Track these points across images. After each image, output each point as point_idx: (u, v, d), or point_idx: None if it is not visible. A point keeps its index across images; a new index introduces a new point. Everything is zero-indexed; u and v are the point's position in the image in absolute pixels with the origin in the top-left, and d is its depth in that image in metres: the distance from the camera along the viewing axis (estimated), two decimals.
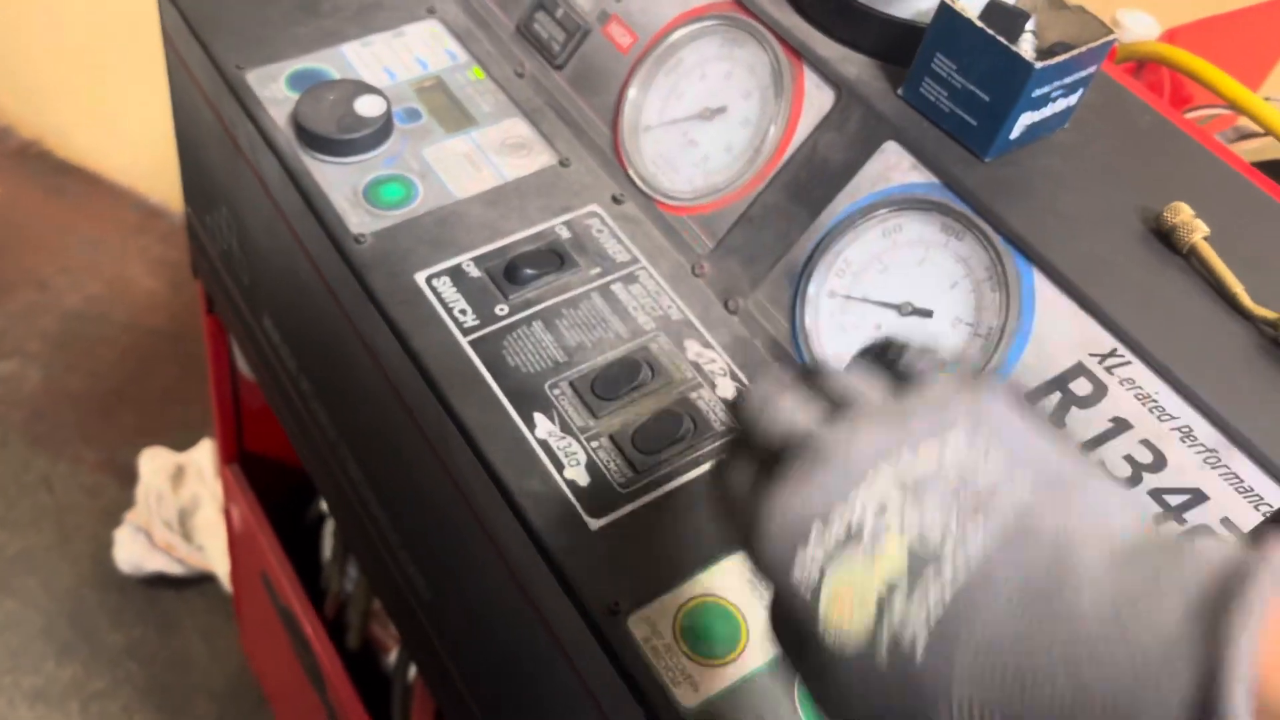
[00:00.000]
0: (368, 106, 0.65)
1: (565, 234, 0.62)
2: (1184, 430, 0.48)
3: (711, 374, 0.57)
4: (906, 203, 0.56)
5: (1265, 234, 0.55)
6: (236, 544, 1.25)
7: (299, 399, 0.76)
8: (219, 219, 0.81)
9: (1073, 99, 0.57)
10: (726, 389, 0.57)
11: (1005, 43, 0.52)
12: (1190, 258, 0.53)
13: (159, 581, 1.62)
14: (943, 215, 0.55)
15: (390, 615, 0.79)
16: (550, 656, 0.53)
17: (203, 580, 1.63)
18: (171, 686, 1.54)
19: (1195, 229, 0.53)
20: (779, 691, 0.47)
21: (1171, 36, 0.73)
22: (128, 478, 1.69)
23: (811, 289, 0.57)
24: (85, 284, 2.00)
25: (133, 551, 1.60)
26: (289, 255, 0.67)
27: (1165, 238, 0.54)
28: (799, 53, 0.59)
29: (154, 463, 1.67)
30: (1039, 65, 0.52)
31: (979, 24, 0.53)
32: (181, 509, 1.62)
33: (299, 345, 0.73)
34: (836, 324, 0.57)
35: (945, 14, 0.54)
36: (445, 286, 0.59)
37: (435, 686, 0.74)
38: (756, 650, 0.48)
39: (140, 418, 1.82)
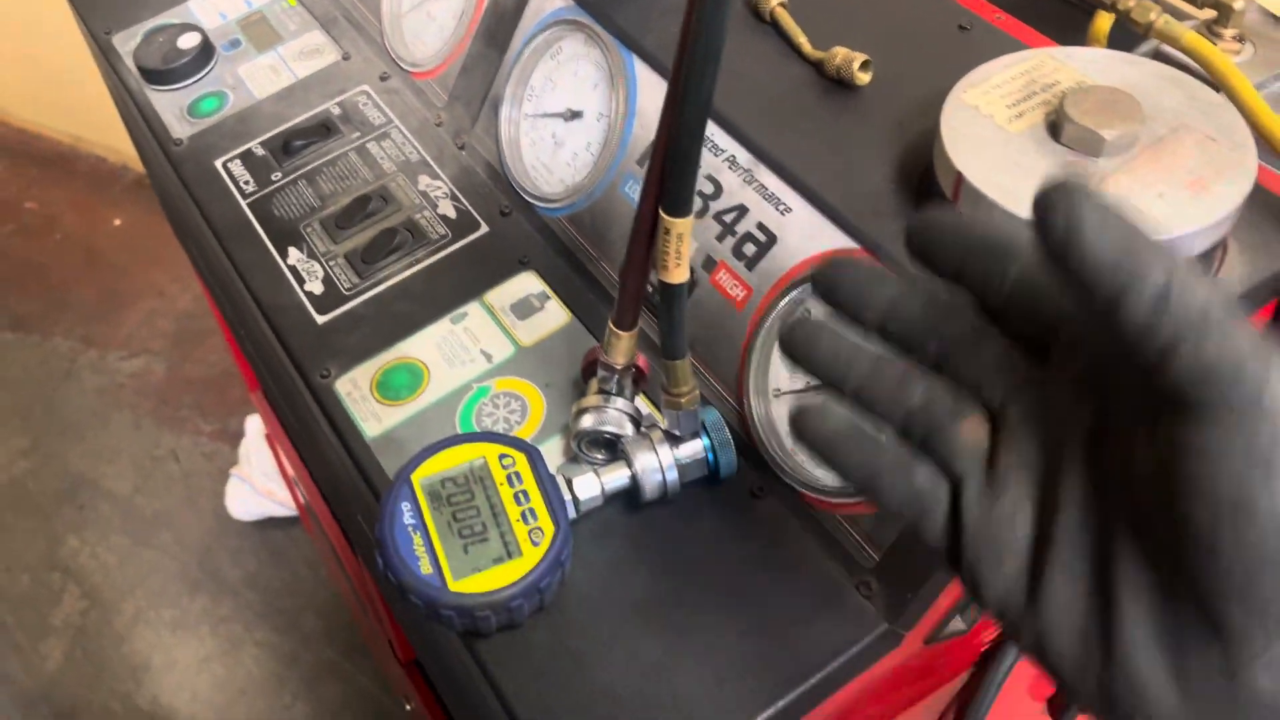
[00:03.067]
0: (186, 41, 0.81)
1: (336, 111, 0.76)
2: (730, 159, 0.57)
3: (435, 198, 0.70)
4: (559, 24, 0.66)
5: None
6: (282, 466, 1.46)
7: (208, 282, 0.94)
8: None
9: None
10: (447, 208, 0.70)
11: None
12: (774, 23, 0.62)
13: (267, 523, 1.87)
14: (582, 30, 0.65)
15: None
16: (292, 405, 0.67)
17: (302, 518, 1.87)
18: (283, 609, 1.79)
19: None
20: (444, 415, 0.60)
21: None
22: (238, 441, 1.95)
23: (505, 114, 0.69)
24: (193, 287, 2.28)
25: (240, 499, 1.85)
26: (155, 171, 0.84)
27: (755, 11, 0.62)
28: None
29: (255, 425, 1.92)
30: None
31: None
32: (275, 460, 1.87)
33: (183, 238, 0.90)
34: (528, 141, 0.69)
35: None
36: (236, 166, 0.74)
37: None
38: (432, 392, 0.61)
39: (245, 391, 2.08)
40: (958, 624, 0.55)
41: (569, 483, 0.52)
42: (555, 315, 0.63)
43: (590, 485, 0.52)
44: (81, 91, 2.42)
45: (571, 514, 0.52)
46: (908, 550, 0.49)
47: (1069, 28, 0.70)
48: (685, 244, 0.45)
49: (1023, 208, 0.45)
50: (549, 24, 0.67)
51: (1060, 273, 0.26)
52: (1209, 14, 0.67)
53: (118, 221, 2.44)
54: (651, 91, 0.61)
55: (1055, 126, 0.48)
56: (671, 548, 0.53)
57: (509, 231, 0.68)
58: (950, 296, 0.33)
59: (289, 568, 1.84)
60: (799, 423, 0.34)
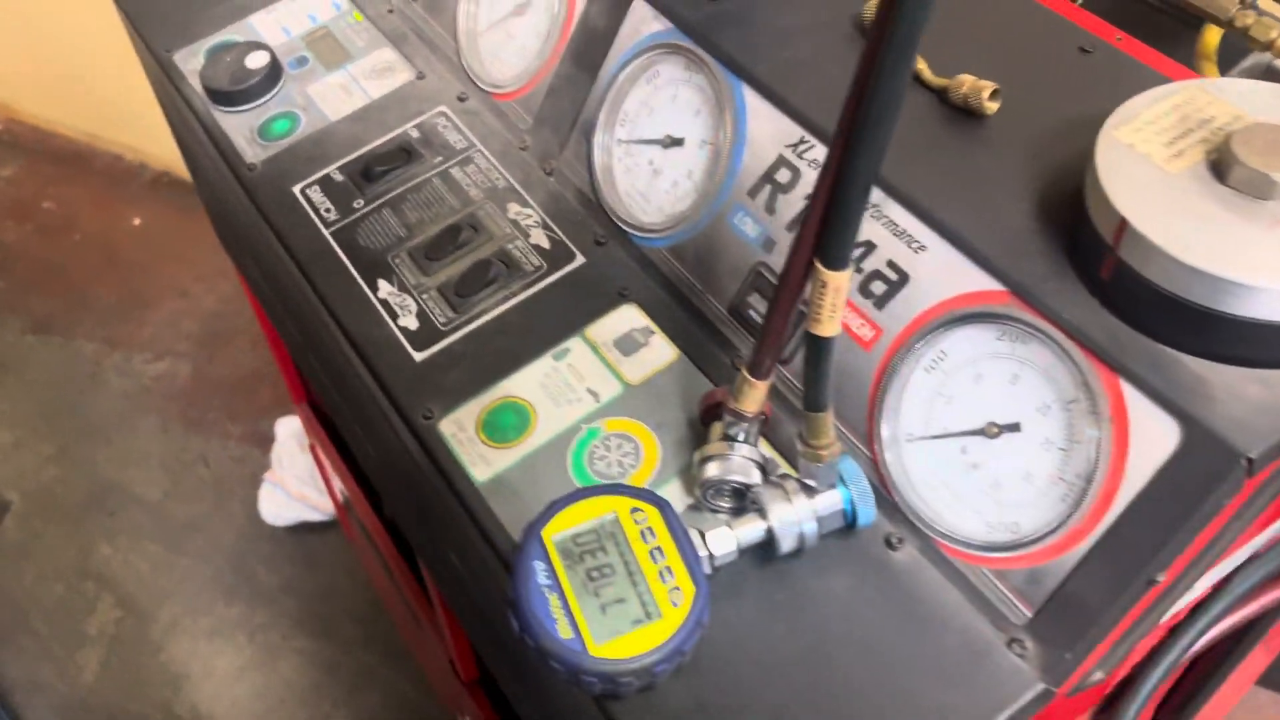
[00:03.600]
0: (254, 60, 0.78)
1: (415, 134, 0.74)
2: None
3: (527, 227, 0.68)
4: (656, 49, 0.64)
5: (962, 12, 0.61)
6: (326, 478, 1.44)
7: (271, 304, 0.92)
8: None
9: None
10: (540, 237, 0.67)
11: None
12: None
13: (301, 528, 1.86)
14: (682, 55, 0.63)
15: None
16: (393, 448, 0.65)
17: (339, 522, 1.85)
18: (321, 615, 1.77)
19: None
20: (555, 458, 0.58)
21: None
22: (268, 445, 1.93)
23: (598, 140, 0.67)
24: (219, 286, 2.26)
25: (273, 504, 1.84)
26: (223, 195, 0.82)
27: (867, 34, 0.60)
28: None
29: (286, 428, 1.90)
30: None
31: None
32: (309, 463, 1.85)
33: (244, 266, 0.88)
34: (622, 168, 0.67)
35: None
36: (315, 193, 0.72)
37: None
38: (541, 433, 0.59)
39: (275, 392, 2.06)
40: (1098, 674, 0.54)
41: (703, 537, 0.50)
42: (662, 351, 0.61)
43: (726, 540, 0.50)
44: (96, 88, 2.39)
45: (707, 570, 0.50)
46: (1065, 605, 0.47)
47: (1167, 38, 0.68)
48: (841, 298, 0.43)
49: (1192, 255, 0.43)
50: (646, 48, 0.64)
51: None
52: None
53: (137, 220, 2.41)
54: (763, 120, 0.59)
55: (1219, 167, 0.45)
56: (808, 602, 0.51)
57: (606, 262, 0.66)
58: None
59: (325, 573, 1.82)
60: None
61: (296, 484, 1.83)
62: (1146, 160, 0.47)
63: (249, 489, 1.91)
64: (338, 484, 1.29)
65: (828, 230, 0.42)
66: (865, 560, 0.52)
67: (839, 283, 0.43)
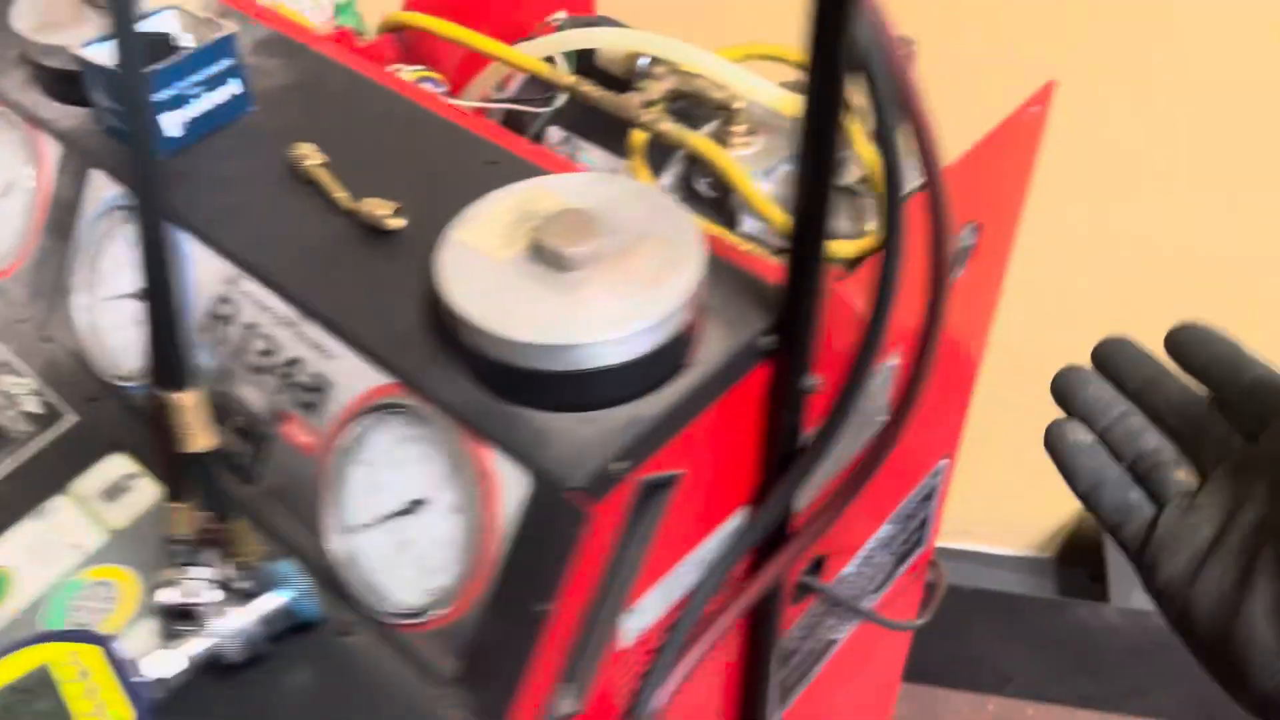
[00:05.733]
0: None
1: None
2: (276, 316, 0.60)
3: (17, 396, 0.69)
4: (116, 209, 0.68)
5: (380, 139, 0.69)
6: None
7: None
8: None
9: (233, 87, 0.70)
10: (32, 404, 0.69)
11: (110, 67, 0.65)
12: (314, 183, 0.66)
13: None
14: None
15: None
16: None
17: None
18: None
19: (311, 158, 0.66)
20: (31, 622, 0.59)
21: (413, 3, 0.87)
22: None
23: (81, 302, 0.70)
24: None
25: None
26: None
27: (298, 174, 0.66)
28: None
29: None
30: (150, 70, 0.65)
31: (91, 60, 0.66)
32: None
33: None
34: (108, 323, 0.69)
35: (79, 62, 0.67)
36: None
37: None
38: (20, 597, 0.60)
39: None
40: (568, 706, 0.59)
41: (137, 664, 0.52)
42: (148, 493, 0.63)
43: (166, 662, 0.52)
44: None
45: (159, 694, 0.52)
46: (480, 652, 0.52)
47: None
48: (196, 415, 0.47)
49: (512, 329, 0.50)
50: (106, 210, 0.68)
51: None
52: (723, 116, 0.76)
53: None
54: (203, 261, 0.63)
55: (534, 249, 0.53)
56: (276, 701, 0.54)
57: (99, 418, 0.68)
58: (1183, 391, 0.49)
59: None
60: (1052, 433, 0.50)
61: None
62: (478, 253, 0.54)
63: None
64: None
65: (160, 357, 0.46)
66: (323, 652, 0.56)
67: (185, 401, 0.47)
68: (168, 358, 0.45)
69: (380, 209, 0.62)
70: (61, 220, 0.71)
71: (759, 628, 0.74)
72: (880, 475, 0.81)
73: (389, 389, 0.55)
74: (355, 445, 0.57)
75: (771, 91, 0.76)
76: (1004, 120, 0.69)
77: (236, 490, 0.62)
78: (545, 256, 0.53)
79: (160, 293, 0.43)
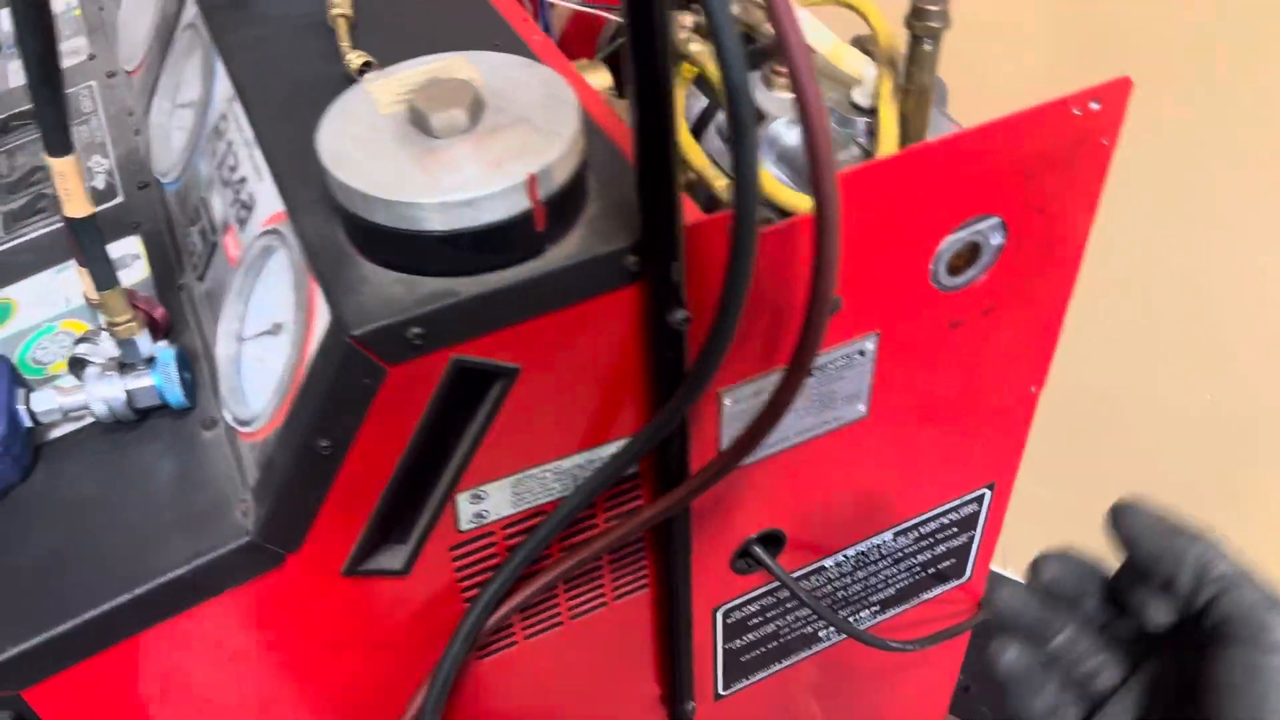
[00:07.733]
0: None
1: None
2: (247, 140, 0.65)
3: (95, 172, 0.80)
4: (193, 30, 0.76)
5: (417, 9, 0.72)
6: None
7: None
8: None
9: None
10: (99, 181, 0.80)
11: None
12: (331, 31, 0.70)
13: None
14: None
15: None
16: None
17: None
18: None
19: (339, 7, 0.70)
20: (9, 349, 0.69)
21: None
22: None
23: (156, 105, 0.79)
24: None
25: None
26: None
27: (327, 21, 0.71)
28: None
29: None
30: None
31: None
32: None
33: None
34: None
35: None
36: None
37: None
38: (15, 325, 0.70)
39: None
40: (390, 561, 0.61)
41: (28, 395, 0.60)
42: (139, 271, 0.72)
43: (46, 400, 0.60)
44: None
45: (28, 423, 0.60)
46: (269, 472, 0.56)
47: None
48: (72, 180, 0.54)
49: (355, 179, 0.52)
50: (186, 26, 0.77)
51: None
52: None
53: None
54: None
55: (412, 110, 0.55)
56: (124, 462, 0.61)
57: (138, 203, 0.77)
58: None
59: None
60: (995, 650, 0.52)
61: None
62: (368, 104, 0.56)
63: None
64: None
65: (43, 124, 0.52)
66: (179, 435, 0.62)
67: (64, 168, 0.53)
68: (50, 125, 0.51)
69: (357, 60, 0.65)
70: (164, 31, 0.81)
71: (668, 572, 0.73)
72: (873, 476, 0.77)
73: (279, 216, 0.59)
74: (253, 265, 0.61)
75: (829, 41, 0.71)
76: (1042, 105, 0.60)
77: (192, 284, 0.70)
78: (415, 118, 0.54)
79: (45, 66, 0.49)
